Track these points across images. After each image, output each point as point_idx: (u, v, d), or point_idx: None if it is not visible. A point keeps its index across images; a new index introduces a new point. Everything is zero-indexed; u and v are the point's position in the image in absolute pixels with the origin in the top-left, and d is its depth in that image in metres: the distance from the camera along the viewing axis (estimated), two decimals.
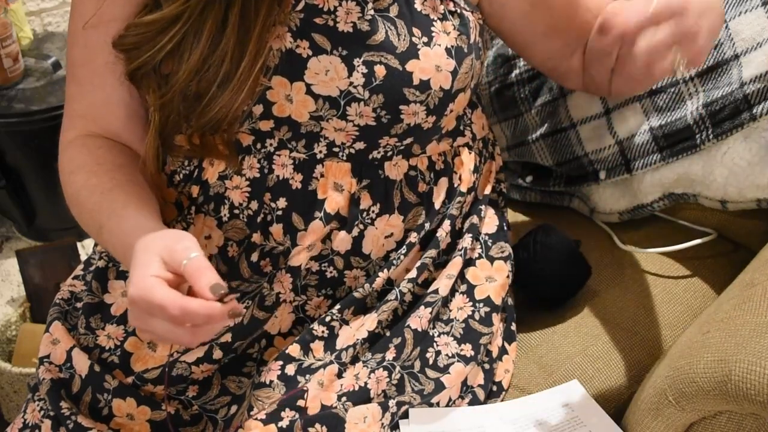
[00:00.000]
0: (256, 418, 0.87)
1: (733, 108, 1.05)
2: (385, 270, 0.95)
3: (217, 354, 0.92)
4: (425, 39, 0.89)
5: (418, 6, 0.89)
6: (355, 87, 0.87)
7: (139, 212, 0.85)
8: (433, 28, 0.89)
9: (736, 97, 1.05)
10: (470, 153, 1.02)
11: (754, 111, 1.04)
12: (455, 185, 1.00)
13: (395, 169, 0.94)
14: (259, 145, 0.92)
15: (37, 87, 1.87)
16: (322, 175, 0.92)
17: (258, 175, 0.92)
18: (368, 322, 0.93)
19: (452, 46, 0.90)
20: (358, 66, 0.87)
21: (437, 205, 0.98)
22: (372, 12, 0.87)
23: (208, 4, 0.84)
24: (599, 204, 1.23)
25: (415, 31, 0.88)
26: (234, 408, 0.92)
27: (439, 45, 0.89)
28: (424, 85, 0.88)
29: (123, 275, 0.98)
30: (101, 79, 0.93)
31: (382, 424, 0.88)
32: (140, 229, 0.81)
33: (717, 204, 1.13)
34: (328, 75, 0.87)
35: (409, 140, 0.93)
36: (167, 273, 0.74)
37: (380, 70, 0.87)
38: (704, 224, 1.20)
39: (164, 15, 0.85)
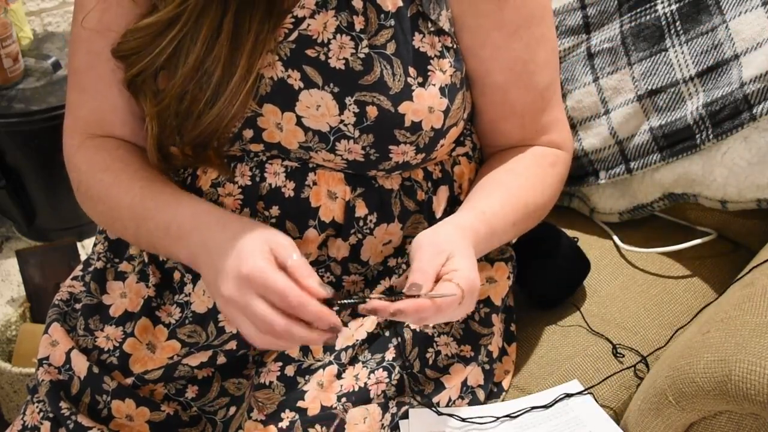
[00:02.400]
0: (256, 420, 0.87)
1: (733, 108, 1.05)
2: (387, 278, 0.95)
3: (221, 360, 0.92)
4: (420, 79, 0.87)
5: (416, 43, 0.88)
6: (345, 125, 0.87)
7: (198, 199, 0.88)
8: (429, 67, 0.88)
9: (736, 97, 1.05)
10: (470, 162, 1.01)
11: (754, 111, 1.04)
12: (456, 194, 0.99)
13: (389, 181, 0.94)
14: (251, 154, 0.92)
15: (37, 87, 1.87)
16: (314, 183, 0.92)
17: (250, 183, 0.92)
18: (367, 323, 0.93)
19: (446, 85, 0.89)
20: (350, 105, 0.86)
21: (438, 214, 0.97)
22: (367, 49, 0.86)
23: (205, 9, 0.84)
24: (599, 204, 1.23)
25: (411, 70, 0.87)
26: (233, 409, 0.92)
27: (434, 85, 0.88)
28: (416, 127, 0.88)
29: (121, 276, 0.98)
30: (106, 85, 0.92)
31: (382, 424, 0.88)
32: (211, 213, 0.84)
33: (717, 204, 1.13)
34: (319, 110, 0.86)
35: (398, 172, 0.93)
36: (274, 263, 0.77)
37: (372, 111, 0.86)
38: (704, 224, 1.20)
39: (161, 17, 0.85)
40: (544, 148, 1.00)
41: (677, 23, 1.10)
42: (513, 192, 0.94)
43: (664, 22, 1.11)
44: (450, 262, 0.81)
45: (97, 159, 0.94)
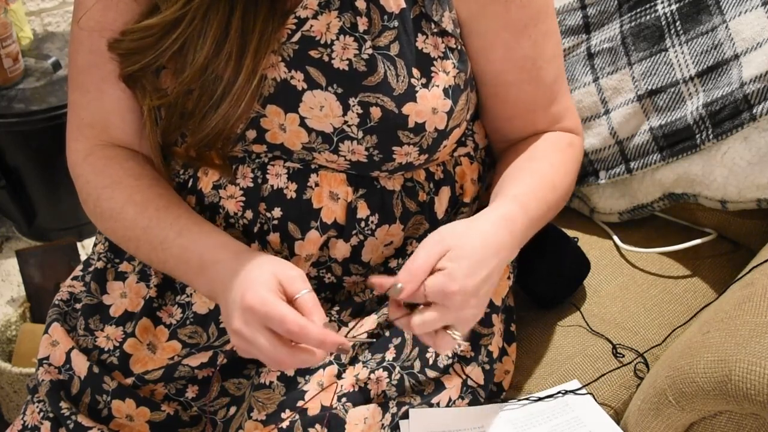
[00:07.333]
0: (256, 420, 0.87)
1: (733, 108, 1.05)
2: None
3: (222, 360, 0.92)
4: (424, 80, 0.87)
5: (419, 44, 0.88)
6: (349, 126, 0.86)
7: (216, 230, 0.88)
8: (432, 68, 0.88)
9: (736, 97, 1.05)
10: (472, 163, 1.01)
11: (754, 111, 1.04)
12: (457, 194, 0.99)
13: (391, 181, 0.94)
14: (253, 155, 0.92)
15: (37, 87, 1.87)
16: (317, 184, 0.92)
17: (252, 184, 0.92)
18: (367, 323, 0.93)
19: (450, 86, 0.89)
20: (354, 106, 0.86)
21: (440, 215, 0.97)
22: (370, 50, 0.86)
23: (211, 7, 0.83)
24: (599, 204, 1.23)
25: (415, 71, 0.87)
26: (233, 409, 0.93)
27: (437, 86, 0.88)
28: (419, 128, 0.87)
29: (122, 276, 0.98)
30: (110, 85, 0.92)
31: (382, 424, 0.88)
32: (228, 247, 0.84)
33: (717, 204, 1.13)
34: (322, 111, 0.86)
35: (400, 173, 0.92)
36: (282, 295, 0.77)
37: (376, 112, 0.86)
38: (704, 224, 1.20)
39: (164, 18, 0.85)
40: (558, 132, 1.00)
41: (677, 23, 1.10)
42: (541, 174, 0.94)
43: (664, 22, 1.11)
44: (443, 259, 0.79)
45: (107, 172, 0.93)
